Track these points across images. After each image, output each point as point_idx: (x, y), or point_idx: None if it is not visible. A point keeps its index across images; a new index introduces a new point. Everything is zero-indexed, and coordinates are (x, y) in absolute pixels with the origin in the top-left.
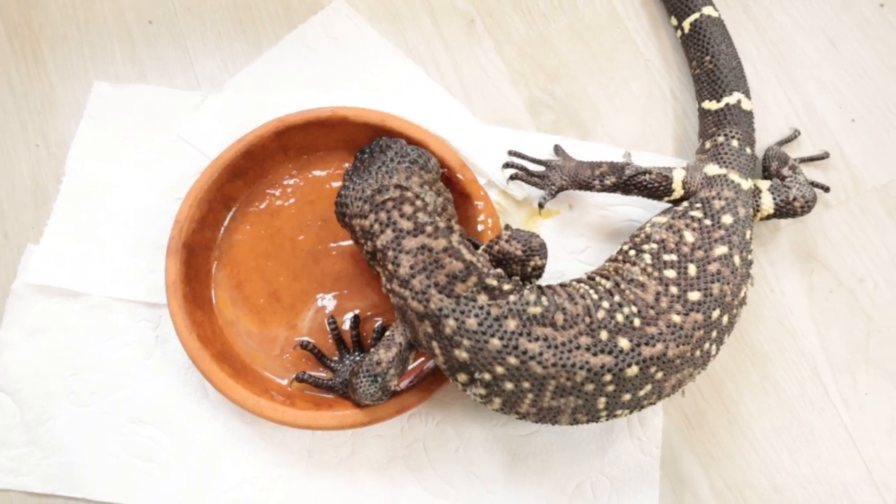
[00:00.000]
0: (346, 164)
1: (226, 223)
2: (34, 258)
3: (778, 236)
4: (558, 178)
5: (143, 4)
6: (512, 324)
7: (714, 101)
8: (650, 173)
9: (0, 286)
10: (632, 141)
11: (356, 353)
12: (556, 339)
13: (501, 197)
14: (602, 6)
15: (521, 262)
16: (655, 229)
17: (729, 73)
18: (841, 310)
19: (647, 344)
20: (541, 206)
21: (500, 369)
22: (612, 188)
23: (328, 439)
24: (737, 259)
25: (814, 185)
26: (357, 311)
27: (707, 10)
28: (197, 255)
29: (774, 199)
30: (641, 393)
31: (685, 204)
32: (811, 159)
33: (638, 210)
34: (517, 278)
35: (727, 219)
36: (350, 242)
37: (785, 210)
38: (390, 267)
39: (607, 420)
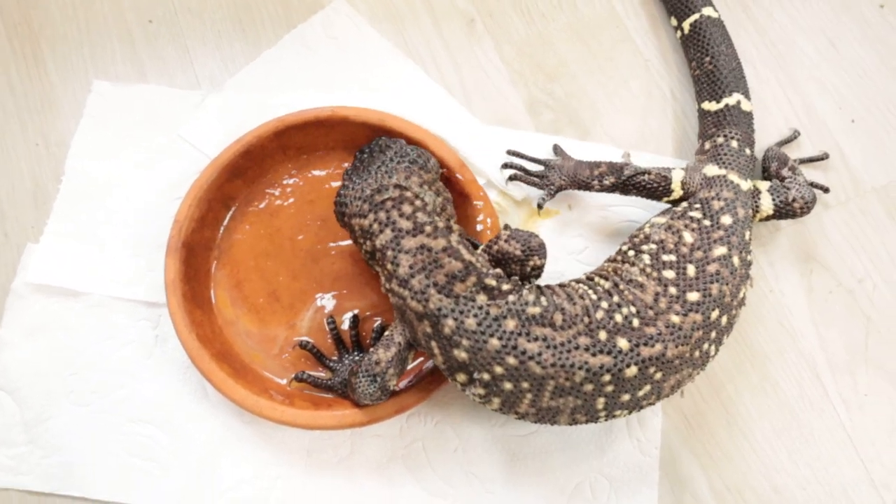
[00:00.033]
0: (346, 164)
1: (225, 222)
2: (34, 257)
3: (777, 237)
4: (557, 178)
5: (143, 4)
6: (511, 324)
7: (713, 102)
8: (649, 173)
9: (0, 285)
10: (631, 141)
11: (355, 353)
12: (554, 340)
13: (500, 197)
14: (601, 6)
15: (520, 262)
16: (654, 230)
17: (728, 74)
18: (840, 310)
19: (645, 344)
20: (540, 206)
21: (498, 369)
22: (611, 188)
23: (327, 439)
24: (736, 260)
25: (813, 185)
26: (356, 311)
27: (707, 11)
28: (196, 255)
29: (774, 200)
30: (640, 393)
31: (684, 204)
32: (811, 160)
33: (637, 210)
34: (516, 278)
35: (726, 219)
36: (349, 242)
37: (784, 211)
38: (389, 266)
39: (606, 420)
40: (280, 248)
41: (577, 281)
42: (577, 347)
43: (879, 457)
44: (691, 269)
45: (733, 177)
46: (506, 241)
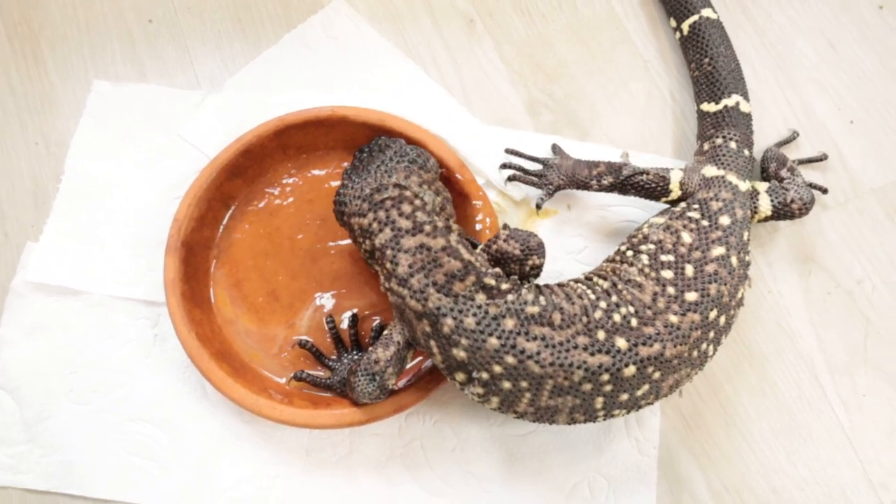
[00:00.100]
0: (345, 164)
1: (225, 222)
2: (34, 256)
3: (776, 237)
4: (556, 178)
5: (143, 4)
6: (510, 323)
7: (712, 103)
8: (647, 174)
9: (0, 284)
10: (630, 142)
11: (354, 352)
12: (553, 339)
13: (500, 197)
14: (601, 6)
15: (519, 262)
16: (653, 230)
17: (727, 75)
18: (839, 311)
19: (644, 344)
20: (538, 206)
21: (497, 368)
22: (610, 188)
23: (326, 438)
24: (734, 260)
25: (812, 186)
26: (355, 310)
27: (706, 12)
28: (196, 254)
29: (772, 201)
30: (639, 393)
31: (683, 205)
32: (809, 161)
33: (636, 211)
34: (515, 278)
35: (724, 220)
36: (348, 241)
37: (783, 212)
38: (388, 266)
39: (605, 420)
40: (279, 247)
41: (576, 281)
42: (575, 347)
43: (878, 458)
44: (689, 270)
45: (732, 178)
46: (505, 240)
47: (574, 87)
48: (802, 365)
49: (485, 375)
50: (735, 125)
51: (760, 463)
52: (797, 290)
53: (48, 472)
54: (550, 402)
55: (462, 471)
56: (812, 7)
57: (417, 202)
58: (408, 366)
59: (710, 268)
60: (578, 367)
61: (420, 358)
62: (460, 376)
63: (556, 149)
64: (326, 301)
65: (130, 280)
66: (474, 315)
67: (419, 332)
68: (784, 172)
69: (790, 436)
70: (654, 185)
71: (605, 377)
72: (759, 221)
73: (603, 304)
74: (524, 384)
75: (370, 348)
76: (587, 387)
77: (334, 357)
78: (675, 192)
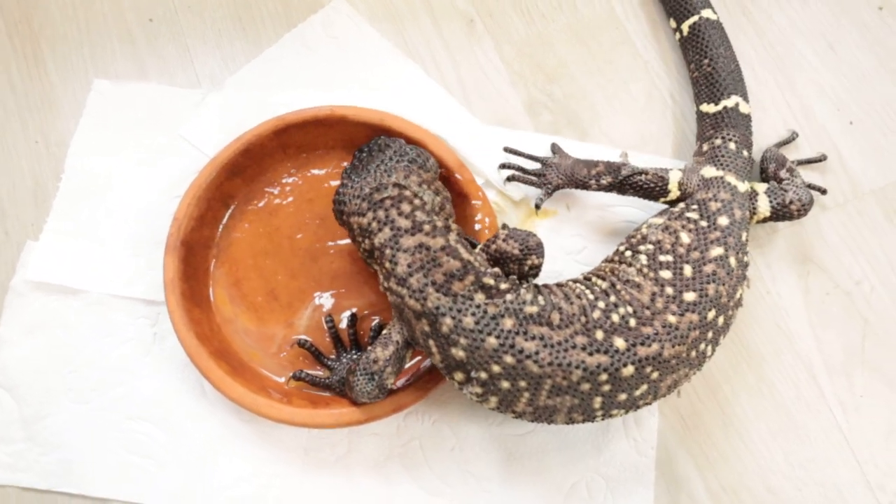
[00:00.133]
0: (345, 163)
1: (224, 221)
2: (33, 255)
3: (775, 238)
4: (555, 177)
5: (144, 3)
6: (508, 322)
7: (712, 104)
8: (646, 174)
9: (0, 283)
10: (630, 142)
11: (353, 352)
12: (552, 339)
13: (499, 197)
14: (601, 7)
15: (518, 261)
16: (652, 230)
17: (727, 76)
18: (837, 312)
19: (642, 344)
20: (537, 205)
21: (496, 368)
22: (608, 188)
23: (325, 437)
24: (733, 261)
25: (811, 187)
26: (354, 310)
27: (706, 13)
28: (195, 253)
29: (771, 202)
30: (637, 393)
31: (682, 205)
32: (809, 162)
33: (635, 211)
34: (514, 277)
35: (723, 220)
36: (348, 241)
37: (781, 213)
38: (388, 265)
39: (603, 420)
40: (279, 246)
41: (575, 281)
42: (574, 347)
43: (875, 458)
44: (688, 270)
45: (731, 178)
46: (504, 240)
47: (574, 87)
48: (800, 365)
49: (483, 375)
50: (734, 126)
51: (758, 463)
52: (796, 291)
53: (47, 471)
54: (549, 402)
55: (461, 470)
56: (812, 8)
57: (417, 202)
58: (406, 365)
59: (708, 268)
60: (577, 367)
61: (419, 357)
62: (459, 376)
63: (555, 148)
64: (325, 300)
65: (130, 279)
66: (473, 314)
67: (418, 331)
68: (783, 173)
69: (788, 436)
70: (652, 185)
71: (604, 377)
72: (758, 222)
73: (601, 305)
74: (522, 384)
75: (369, 348)
76: (585, 386)
77: (333, 356)
78: (674, 193)
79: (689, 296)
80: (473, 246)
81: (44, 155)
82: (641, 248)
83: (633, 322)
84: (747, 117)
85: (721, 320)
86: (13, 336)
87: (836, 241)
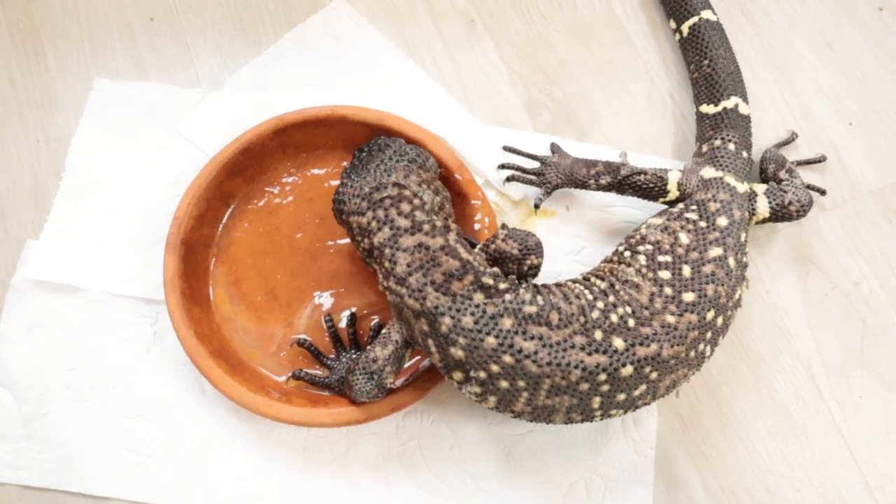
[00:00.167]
0: (345, 163)
1: (224, 220)
2: (33, 253)
3: (774, 239)
4: (554, 176)
5: (145, 1)
6: (507, 322)
7: (712, 105)
8: (645, 174)
9: (0, 281)
10: (630, 143)
11: (352, 351)
12: (551, 339)
13: (498, 197)
14: (601, 7)
15: (517, 261)
16: (651, 230)
17: (727, 77)
18: (836, 313)
19: (641, 344)
20: (536, 205)
21: (495, 367)
22: (608, 188)
23: (324, 436)
24: (731, 261)
25: (810, 188)
26: (354, 309)
27: (706, 14)
28: (195, 252)
29: (770, 202)
30: (636, 393)
31: (681, 206)
32: (808, 162)
33: (634, 211)
34: (513, 277)
35: (722, 221)
36: (347, 241)
37: (780, 214)
38: (387, 264)
39: (602, 420)
40: (278, 246)
41: (574, 281)
42: (573, 346)
43: (873, 459)
44: (687, 270)
45: (730, 179)
46: (503, 240)
47: (574, 87)
48: (799, 366)
49: (482, 374)
50: (734, 127)
51: (756, 463)
52: (795, 292)
53: (46, 469)
54: (547, 402)
55: (459, 470)
56: (811, 8)
57: (416, 201)
58: (406, 365)
59: (707, 269)
60: (576, 367)
61: (418, 357)
62: (458, 375)
63: (554, 147)
64: (325, 300)
65: (130, 277)
66: (472, 314)
67: (417, 330)
68: (782, 174)
69: (786, 436)
70: (651, 185)
71: (603, 377)
72: (758, 223)
73: (600, 305)
74: (521, 383)
75: (368, 347)
76: (584, 386)
77: (332, 356)
78: (673, 193)
79: (688, 296)
80: (473, 246)
81: (44, 153)
82: (640, 248)
83: (631, 322)
84: (747, 118)
85: (720, 321)
86: (13, 334)
87: (834, 242)
